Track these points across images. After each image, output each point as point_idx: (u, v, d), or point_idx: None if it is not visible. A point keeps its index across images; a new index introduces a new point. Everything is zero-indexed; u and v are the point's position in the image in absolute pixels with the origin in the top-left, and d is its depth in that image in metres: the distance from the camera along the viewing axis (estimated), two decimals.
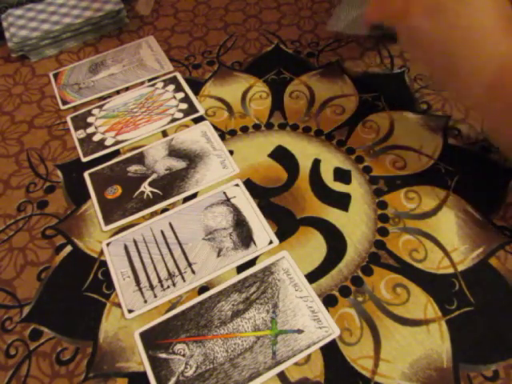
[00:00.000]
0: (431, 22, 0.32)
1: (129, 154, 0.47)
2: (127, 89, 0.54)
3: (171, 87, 0.53)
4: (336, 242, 0.38)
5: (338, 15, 0.50)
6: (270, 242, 0.39)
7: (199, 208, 0.41)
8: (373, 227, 0.39)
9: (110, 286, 0.38)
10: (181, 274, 0.37)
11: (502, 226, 0.38)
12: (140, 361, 0.33)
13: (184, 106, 0.51)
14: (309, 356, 0.33)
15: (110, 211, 0.42)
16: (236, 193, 0.42)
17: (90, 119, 0.51)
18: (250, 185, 0.43)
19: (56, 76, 0.57)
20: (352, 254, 0.37)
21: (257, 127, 0.48)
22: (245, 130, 0.47)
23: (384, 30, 0.48)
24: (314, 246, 0.38)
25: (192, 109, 0.50)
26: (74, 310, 0.37)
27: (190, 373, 0.32)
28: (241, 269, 0.37)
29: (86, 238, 0.41)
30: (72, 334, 0.35)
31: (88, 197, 0.44)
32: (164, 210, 0.42)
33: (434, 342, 0.32)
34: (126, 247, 0.40)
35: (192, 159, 0.45)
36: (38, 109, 0.53)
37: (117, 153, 0.47)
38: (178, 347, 0.34)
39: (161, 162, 0.46)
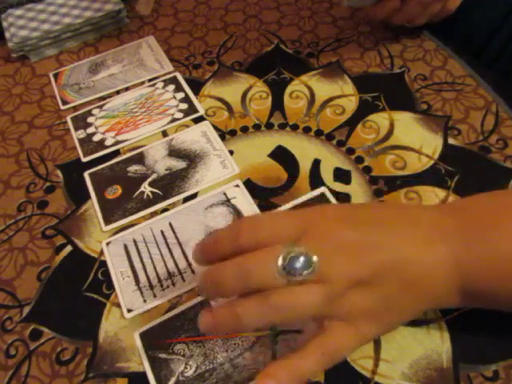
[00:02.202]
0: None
1: (129, 154, 0.47)
2: (127, 89, 0.54)
3: (171, 87, 0.53)
4: None
5: None
6: None
7: (199, 208, 0.41)
8: None
9: (110, 286, 0.38)
10: (180, 273, 0.37)
11: None
12: (140, 361, 0.33)
13: (184, 106, 0.51)
14: None
15: (110, 211, 0.42)
16: (236, 193, 0.42)
17: (90, 119, 0.51)
18: (250, 185, 0.43)
19: (56, 76, 0.57)
20: None
21: (257, 127, 0.48)
22: (245, 129, 0.47)
23: None
24: None
25: (192, 109, 0.50)
26: (74, 310, 0.37)
27: (189, 373, 0.32)
28: None
29: (86, 238, 0.41)
30: (72, 334, 0.36)
31: (88, 197, 0.44)
32: (164, 210, 0.42)
33: (434, 342, 0.32)
34: (125, 247, 0.40)
35: (192, 159, 0.45)
36: (38, 109, 0.53)
37: (117, 153, 0.47)
38: (178, 347, 0.33)
39: (161, 162, 0.46)
